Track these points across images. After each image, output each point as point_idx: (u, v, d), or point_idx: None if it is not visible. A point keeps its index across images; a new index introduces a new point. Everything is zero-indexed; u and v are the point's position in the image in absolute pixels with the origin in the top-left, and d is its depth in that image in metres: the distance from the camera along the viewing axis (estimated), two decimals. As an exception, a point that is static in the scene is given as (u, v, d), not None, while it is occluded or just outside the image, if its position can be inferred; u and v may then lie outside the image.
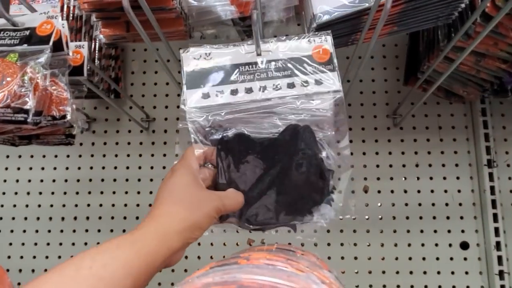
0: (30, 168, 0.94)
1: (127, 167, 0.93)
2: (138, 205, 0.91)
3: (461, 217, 0.86)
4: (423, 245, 0.86)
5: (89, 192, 0.92)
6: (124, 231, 0.90)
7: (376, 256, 0.86)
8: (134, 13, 0.60)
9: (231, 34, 0.66)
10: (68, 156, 0.94)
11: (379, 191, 0.88)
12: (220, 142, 0.50)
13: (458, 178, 0.87)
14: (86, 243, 0.91)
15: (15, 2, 0.70)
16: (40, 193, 0.93)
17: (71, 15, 0.70)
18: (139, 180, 0.92)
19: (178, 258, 0.44)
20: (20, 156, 0.94)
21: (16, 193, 0.93)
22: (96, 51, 0.75)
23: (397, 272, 0.85)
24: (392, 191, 0.88)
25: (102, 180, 0.93)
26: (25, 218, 0.92)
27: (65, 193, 0.92)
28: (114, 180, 0.93)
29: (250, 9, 0.58)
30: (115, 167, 0.93)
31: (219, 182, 0.47)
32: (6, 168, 0.94)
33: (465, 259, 0.84)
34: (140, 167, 0.93)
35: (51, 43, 0.44)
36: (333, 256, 0.86)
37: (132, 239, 0.38)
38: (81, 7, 0.58)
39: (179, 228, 0.40)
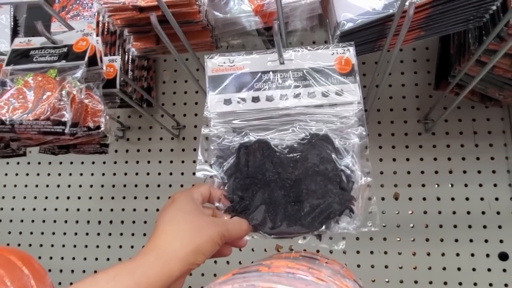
0: (70, 174, 1.00)
1: (159, 173, 0.96)
2: (169, 210, 0.94)
3: (499, 226, 0.82)
4: (458, 255, 0.82)
5: (124, 197, 0.97)
6: (156, 235, 0.93)
7: (407, 265, 0.84)
8: (162, 27, 0.63)
9: (257, 44, 0.67)
10: (104, 162, 0.98)
11: (410, 198, 0.85)
12: (240, 148, 0.51)
13: (495, 185, 0.83)
14: (120, 246, 0.95)
15: (55, 20, 0.75)
16: (79, 197, 0.98)
17: (105, 30, 0.74)
18: (170, 185, 0.95)
19: (178, 286, 0.42)
20: (61, 163, 1.00)
21: (57, 198, 0.99)
22: (129, 63, 0.79)
23: (430, 283, 0.82)
24: (424, 199, 0.85)
25: (136, 185, 0.97)
26: (65, 221, 0.98)
27: (101, 198, 0.97)
28: (147, 185, 0.96)
29: (273, 19, 0.59)
30: (148, 173, 0.97)
31: (237, 191, 0.48)
32: (49, 174, 1.00)
33: (504, 270, 0.80)
34: (171, 173, 0.96)
35: (86, 59, 0.48)
36: (363, 264, 0.85)
37: (132, 267, 0.37)
38: (114, 23, 0.61)
39: (181, 254, 0.39)
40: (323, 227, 0.48)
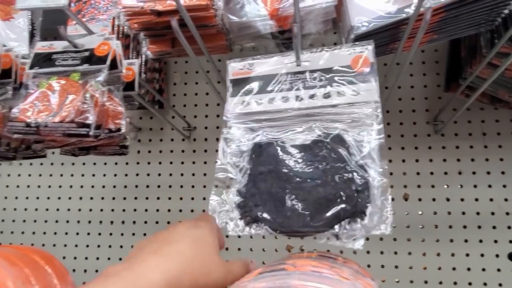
0: (82, 175, 1.01)
1: (170, 174, 0.97)
2: (180, 210, 0.96)
3: (509, 227, 0.82)
4: (467, 255, 0.83)
5: (135, 198, 0.98)
6: (167, 235, 0.94)
7: (417, 265, 0.85)
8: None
9: (269, 47, 0.68)
10: (116, 163, 1.00)
11: (420, 199, 0.86)
12: (254, 147, 0.52)
13: (504, 186, 0.83)
14: (132, 246, 0.96)
15: (71, 24, 0.76)
16: (91, 198, 1.00)
17: (120, 33, 0.75)
18: (181, 186, 0.97)
19: None
20: (73, 164, 1.01)
21: (69, 198, 1.01)
22: (142, 66, 0.80)
23: (440, 283, 0.83)
24: (433, 199, 0.86)
25: (147, 186, 0.98)
26: (78, 222, 0.99)
27: (113, 198, 0.98)
28: (158, 186, 0.97)
29: (289, 23, 0.60)
30: (159, 174, 0.98)
31: (249, 187, 0.49)
32: (61, 175, 1.02)
33: (513, 270, 0.81)
34: (182, 174, 0.97)
35: (108, 62, 0.49)
36: (373, 264, 0.86)
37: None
38: (131, 27, 0.62)
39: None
40: (335, 227, 0.48)
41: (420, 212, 0.86)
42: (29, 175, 1.03)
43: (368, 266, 0.86)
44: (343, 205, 0.47)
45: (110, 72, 0.49)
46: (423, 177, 0.87)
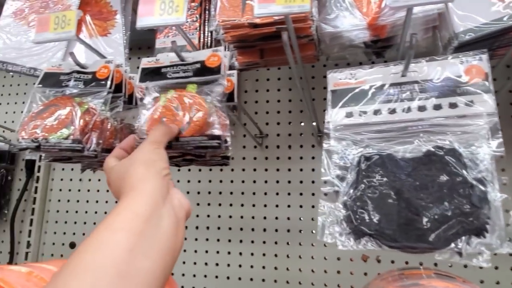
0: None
1: (243, 181, 0.99)
2: (253, 217, 0.96)
3: None
4: None
5: (209, 204, 1.00)
6: (241, 241, 0.96)
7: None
8: (269, 42, 0.65)
9: (358, 56, 0.67)
10: (189, 170, 1.02)
11: None
12: (361, 160, 0.51)
13: None
14: (206, 251, 0.98)
15: (160, 36, 0.79)
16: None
17: (205, 45, 0.77)
18: (253, 193, 0.97)
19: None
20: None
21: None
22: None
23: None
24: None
25: (220, 193, 1.00)
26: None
27: (187, 204, 1.01)
28: (231, 193, 0.99)
29: (385, 32, 0.59)
30: (231, 181, 0.99)
31: (357, 202, 0.49)
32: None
33: None
34: (254, 181, 0.98)
35: (222, 72, 0.50)
36: (487, 280, 0.81)
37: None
38: (225, 39, 0.64)
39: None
40: (451, 245, 0.47)
41: None
42: None
43: (481, 282, 0.81)
44: (462, 221, 0.46)
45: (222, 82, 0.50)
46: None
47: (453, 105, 0.49)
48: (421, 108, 0.50)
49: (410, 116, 0.50)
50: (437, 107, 0.50)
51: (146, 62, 0.57)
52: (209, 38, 0.79)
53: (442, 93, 0.50)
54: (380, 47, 0.63)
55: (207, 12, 0.78)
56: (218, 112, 0.49)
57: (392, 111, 0.51)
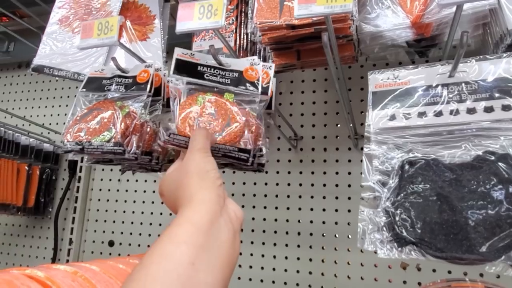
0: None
1: (277, 184, 0.98)
2: (287, 220, 0.95)
3: None
4: None
5: (243, 206, 1.00)
6: (275, 244, 0.95)
7: None
8: (307, 43, 0.64)
9: (400, 56, 0.65)
10: (223, 172, 1.03)
11: None
12: (404, 165, 0.49)
13: None
14: (241, 253, 0.98)
15: (196, 40, 0.80)
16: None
17: (241, 48, 0.77)
18: (288, 196, 0.96)
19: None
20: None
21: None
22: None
23: None
24: None
25: (254, 195, 0.99)
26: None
27: (222, 205, 1.02)
28: (265, 195, 0.98)
29: (430, 30, 0.57)
30: (266, 183, 0.99)
31: (400, 209, 0.47)
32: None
33: None
34: (289, 184, 0.97)
35: (260, 88, 0.49)
36: None
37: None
38: (262, 41, 0.63)
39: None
40: (503, 257, 0.44)
41: None
42: (154, 181, 1.11)
43: None
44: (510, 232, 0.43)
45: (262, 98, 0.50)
46: None
47: (506, 107, 0.46)
48: (470, 111, 0.47)
49: (458, 119, 0.48)
50: (489, 109, 0.47)
51: (181, 53, 0.56)
52: (245, 41, 0.79)
53: (494, 95, 0.47)
54: (423, 46, 0.60)
55: (243, 14, 0.78)
56: (253, 121, 0.49)
57: (438, 114, 0.49)
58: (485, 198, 0.44)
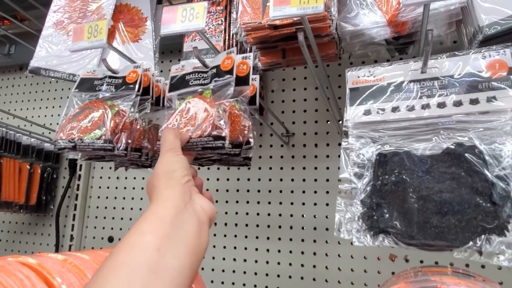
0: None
1: (270, 179, 1.00)
2: (280, 215, 0.98)
3: None
4: None
5: (237, 202, 1.03)
6: (268, 238, 0.98)
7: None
8: (290, 42, 0.67)
9: (381, 53, 0.67)
10: (218, 168, 1.06)
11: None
12: (379, 157, 0.51)
13: None
14: (235, 247, 1.01)
15: (187, 40, 0.83)
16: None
17: (230, 47, 0.80)
18: (280, 191, 0.99)
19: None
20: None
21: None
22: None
23: None
24: None
25: (248, 190, 1.02)
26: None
27: (216, 201, 1.04)
28: (258, 191, 1.01)
29: (406, 28, 0.59)
30: (259, 179, 1.01)
31: (374, 198, 0.49)
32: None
33: None
34: (281, 179, 0.99)
35: (234, 75, 0.52)
36: (506, 281, 0.78)
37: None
38: (247, 41, 0.66)
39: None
40: (470, 243, 0.46)
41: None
42: (143, 178, 1.14)
43: (501, 283, 0.79)
44: (481, 220, 0.45)
45: (243, 89, 0.52)
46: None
47: (474, 101, 0.48)
48: (441, 105, 0.50)
49: (429, 113, 0.50)
50: (457, 103, 0.49)
51: (174, 69, 0.60)
52: (234, 41, 0.81)
53: (462, 89, 0.49)
54: (402, 43, 0.63)
55: (231, 15, 0.81)
56: (235, 115, 0.51)
57: (411, 108, 0.51)
58: (453, 187, 0.47)
